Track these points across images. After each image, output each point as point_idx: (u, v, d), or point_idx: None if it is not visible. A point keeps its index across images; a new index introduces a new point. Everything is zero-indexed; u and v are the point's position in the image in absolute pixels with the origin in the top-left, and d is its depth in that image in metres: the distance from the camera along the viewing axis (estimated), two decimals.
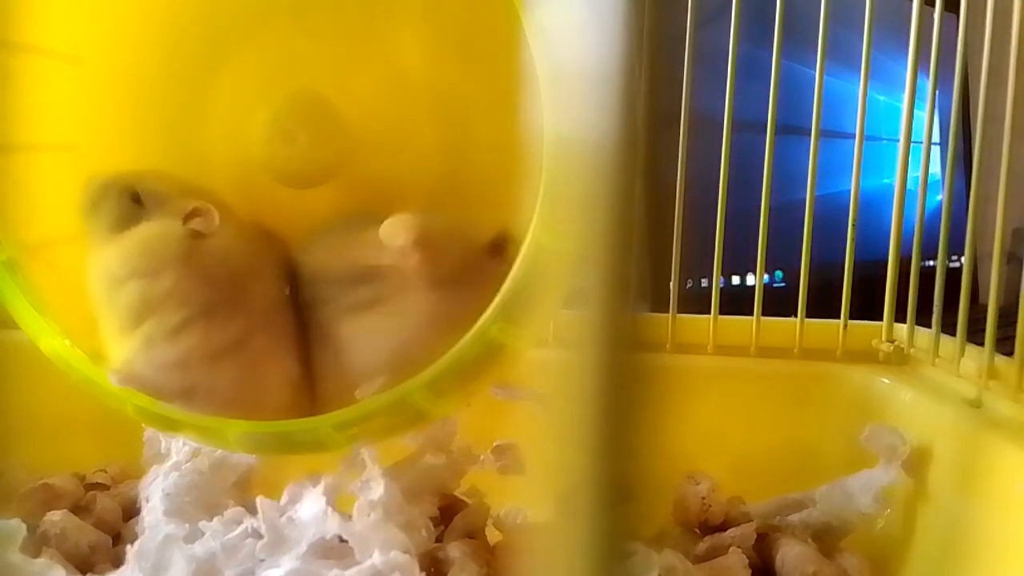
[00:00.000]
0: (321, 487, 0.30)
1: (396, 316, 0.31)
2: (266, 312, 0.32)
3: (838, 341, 0.42)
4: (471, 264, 0.31)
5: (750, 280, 0.75)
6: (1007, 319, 0.35)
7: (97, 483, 0.39)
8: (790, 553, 0.34)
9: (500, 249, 0.31)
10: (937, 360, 0.38)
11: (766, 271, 0.43)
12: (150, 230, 0.31)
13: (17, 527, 0.30)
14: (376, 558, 0.27)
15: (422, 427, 0.34)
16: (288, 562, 0.28)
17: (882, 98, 0.85)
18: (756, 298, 0.42)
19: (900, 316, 0.42)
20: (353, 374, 0.31)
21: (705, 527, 0.37)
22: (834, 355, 0.42)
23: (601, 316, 0.12)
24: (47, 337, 0.32)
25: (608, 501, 0.13)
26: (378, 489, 0.30)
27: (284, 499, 0.32)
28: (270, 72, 0.36)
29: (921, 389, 0.38)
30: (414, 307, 0.31)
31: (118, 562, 0.34)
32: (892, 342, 0.41)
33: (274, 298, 0.32)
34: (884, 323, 0.42)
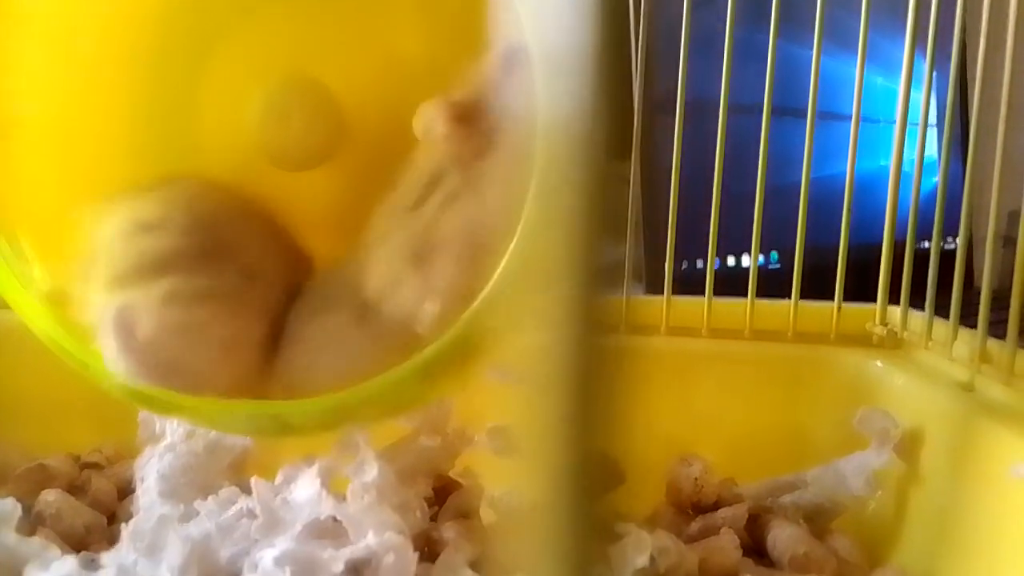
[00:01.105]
0: (315, 469, 0.30)
1: (481, 189, 0.29)
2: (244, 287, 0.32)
3: (832, 324, 0.42)
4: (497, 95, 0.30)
5: (745, 261, 0.75)
6: (1000, 302, 0.35)
7: (92, 463, 0.39)
8: (782, 535, 0.34)
9: (512, 59, 0.29)
10: (930, 344, 0.38)
11: (761, 252, 0.43)
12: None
13: (12, 507, 0.30)
14: (370, 539, 0.28)
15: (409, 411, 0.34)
16: (283, 543, 0.28)
17: (879, 79, 0.85)
18: (751, 281, 0.43)
19: (894, 298, 0.42)
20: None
21: (698, 508, 0.37)
22: (828, 338, 0.42)
23: (574, 297, 0.12)
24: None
25: (589, 483, 0.13)
26: (372, 471, 0.30)
27: (279, 480, 0.32)
28: (264, 55, 0.35)
29: (914, 372, 0.38)
30: (491, 174, 0.29)
31: (113, 541, 0.34)
32: (885, 325, 0.41)
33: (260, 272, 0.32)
34: (878, 306, 0.42)
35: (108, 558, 0.28)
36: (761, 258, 0.43)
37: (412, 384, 0.31)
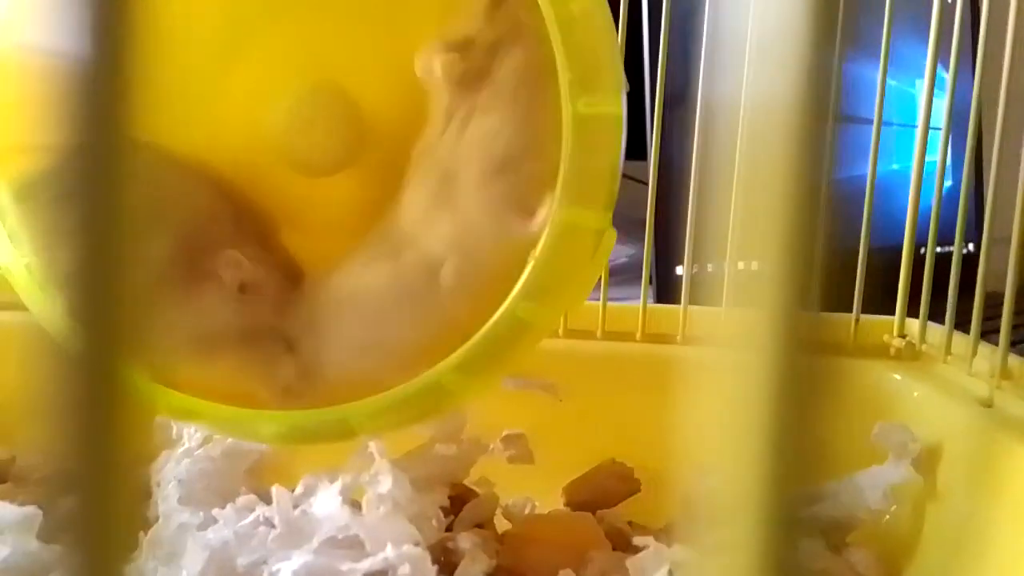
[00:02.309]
0: (338, 486, 0.30)
1: (496, 113, 0.31)
2: None
3: (850, 335, 0.42)
4: (490, 26, 0.31)
5: (755, 266, 0.75)
6: (1018, 304, 0.35)
7: None
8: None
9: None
10: (949, 358, 0.38)
11: None
12: None
13: (35, 514, 0.30)
14: (388, 551, 0.28)
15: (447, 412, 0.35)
16: (301, 555, 0.28)
17: (892, 82, 0.84)
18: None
19: (912, 307, 0.42)
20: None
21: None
22: (845, 349, 0.42)
23: (780, 316, 0.12)
24: None
25: (784, 505, 0.12)
26: (386, 482, 0.31)
27: (299, 490, 0.32)
28: (287, 61, 0.35)
29: (932, 386, 0.38)
30: (496, 94, 0.31)
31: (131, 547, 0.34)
32: (904, 337, 0.41)
33: None
34: (896, 318, 0.42)
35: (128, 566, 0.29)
36: None
37: (449, 381, 0.31)
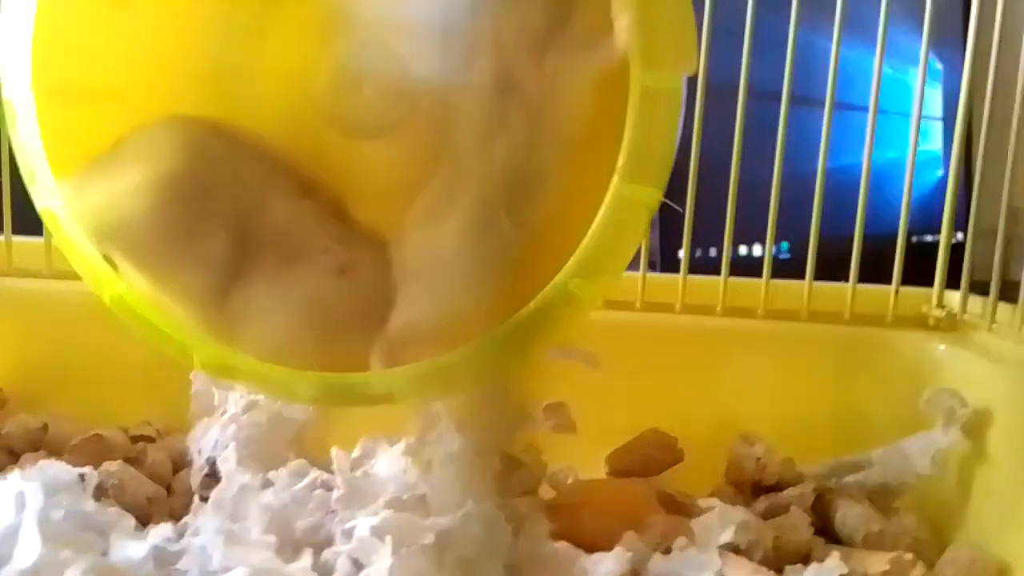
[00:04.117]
0: (401, 446, 0.30)
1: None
2: None
3: (887, 307, 0.42)
4: None
5: (756, 251, 0.75)
6: None
7: (143, 435, 0.38)
8: (851, 513, 0.34)
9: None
10: (994, 326, 0.39)
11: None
12: None
13: (90, 475, 0.29)
14: (467, 508, 0.27)
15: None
16: (369, 516, 0.28)
17: (889, 71, 0.85)
18: (809, 264, 0.42)
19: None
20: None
21: (758, 488, 0.37)
22: (884, 321, 0.42)
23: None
24: (110, 285, 0.31)
25: None
26: (454, 442, 0.30)
27: (357, 453, 0.32)
28: (334, 18, 0.35)
29: (978, 353, 0.38)
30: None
31: (174, 514, 0.33)
32: (943, 308, 0.42)
33: None
34: (935, 289, 0.42)
35: (202, 523, 0.28)
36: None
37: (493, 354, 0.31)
